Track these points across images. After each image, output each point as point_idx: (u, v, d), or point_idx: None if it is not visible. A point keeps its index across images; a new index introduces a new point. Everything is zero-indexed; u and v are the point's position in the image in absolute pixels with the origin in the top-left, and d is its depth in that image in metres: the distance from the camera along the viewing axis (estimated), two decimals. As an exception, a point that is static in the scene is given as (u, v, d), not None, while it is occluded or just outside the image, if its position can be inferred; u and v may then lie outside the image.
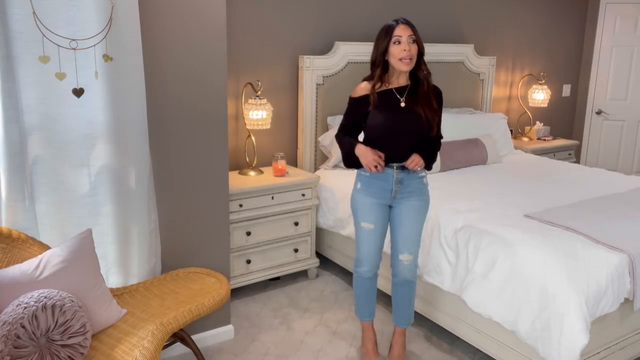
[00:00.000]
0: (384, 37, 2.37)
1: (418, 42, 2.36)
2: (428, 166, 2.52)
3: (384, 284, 3.15)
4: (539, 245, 2.45)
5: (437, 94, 2.49)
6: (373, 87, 2.43)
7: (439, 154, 2.76)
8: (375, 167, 2.41)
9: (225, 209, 2.79)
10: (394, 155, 2.44)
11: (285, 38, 3.72)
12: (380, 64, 2.41)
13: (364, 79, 2.51)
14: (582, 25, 5.54)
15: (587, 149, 5.67)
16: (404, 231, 2.52)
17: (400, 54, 2.34)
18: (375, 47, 2.42)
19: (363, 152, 2.43)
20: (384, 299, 3.26)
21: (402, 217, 2.51)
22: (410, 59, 2.35)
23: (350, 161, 2.52)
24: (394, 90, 2.44)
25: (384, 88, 2.44)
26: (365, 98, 2.45)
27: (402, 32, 2.34)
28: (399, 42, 2.34)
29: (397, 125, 2.42)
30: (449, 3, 4.50)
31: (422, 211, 2.54)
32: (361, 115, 2.49)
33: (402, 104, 2.42)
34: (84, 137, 2.24)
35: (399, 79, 2.45)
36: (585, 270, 2.31)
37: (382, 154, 2.41)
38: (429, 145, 2.50)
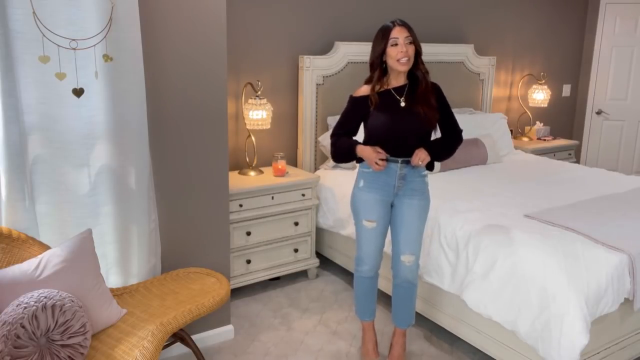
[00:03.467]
0: (381, 39, 2.40)
1: (415, 42, 2.39)
2: (430, 165, 2.54)
3: (384, 284, 3.15)
4: (538, 246, 2.45)
5: (436, 90, 2.50)
6: (373, 88, 2.46)
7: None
8: (377, 164, 2.42)
9: (225, 209, 2.79)
10: (397, 154, 2.46)
11: (285, 38, 3.72)
12: (378, 66, 2.45)
13: (365, 81, 2.52)
14: (582, 25, 5.54)
15: (587, 149, 5.67)
16: (406, 231, 2.51)
17: (398, 55, 2.37)
18: (373, 49, 2.45)
19: (367, 153, 2.44)
20: (384, 299, 3.26)
21: (403, 216, 2.51)
22: (408, 59, 2.38)
23: (342, 158, 2.56)
24: (392, 91, 2.46)
25: (382, 89, 2.47)
26: (365, 99, 2.47)
27: (398, 34, 2.37)
28: (396, 44, 2.37)
29: (398, 124, 2.43)
30: (449, 3, 4.50)
31: (424, 211, 2.54)
32: (359, 116, 2.51)
33: (402, 104, 2.43)
34: (84, 137, 2.24)
35: (397, 79, 2.47)
36: (585, 270, 2.31)
37: (381, 151, 2.42)
38: (442, 142, 2.53)
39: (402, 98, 2.44)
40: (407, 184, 2.49)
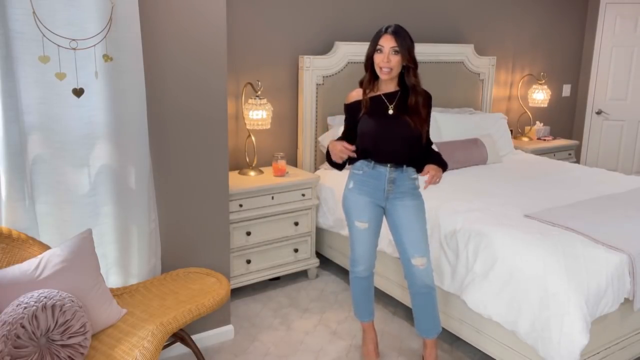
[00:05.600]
0: (372, 42, 2.40)
1: (403, 54, 2.35)
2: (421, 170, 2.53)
3: (383, 283, 3.15)
4: (539, 245, 2.45)
5: (427, 99, 2.48)
6: (364, 91, 2.45)
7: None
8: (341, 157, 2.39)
9: (225, 209, 2.79)
10: (385, 159, 2.45)
11: (285, 38, 3.72)
12: (368, 68, 2.44)
13: (360, 81, 2.51)
14: (582, 25, 5.54)
15: (587, 149, 5.67)
16: (408, 233, 2.48)
17: (380, 64, 2.37)
18: (367, 51, 2.44)
19: (331, 146, 2.42)
20: (383, 298, 3.26)
21: (401, 219, 2.49)
22: (390, 70, 2.36)
23: (329, 158, 2.53)
24: (382, 97, 2.45)
25: (373, 94, 2.46)
26: (356, 104, 2.48)
27: (385, 43, 2.35)
28: (381, 52, 2.36)
29: (385, 131, 2.42)
30: (449, 3, 4.50)
31: (420, 210, 2.52)
32: (355, 121, 2.49)
33: (390, 111, 2.43)
34: (84, 137, 2.24)
35: (388, 85, 2.45)
36: (585, 270, 2.31)
37: (348, 146, 2.36)
38: (431, 154, 2.51)
39: (392, 105, 2.43)
40: (397, 187, 2.48)
